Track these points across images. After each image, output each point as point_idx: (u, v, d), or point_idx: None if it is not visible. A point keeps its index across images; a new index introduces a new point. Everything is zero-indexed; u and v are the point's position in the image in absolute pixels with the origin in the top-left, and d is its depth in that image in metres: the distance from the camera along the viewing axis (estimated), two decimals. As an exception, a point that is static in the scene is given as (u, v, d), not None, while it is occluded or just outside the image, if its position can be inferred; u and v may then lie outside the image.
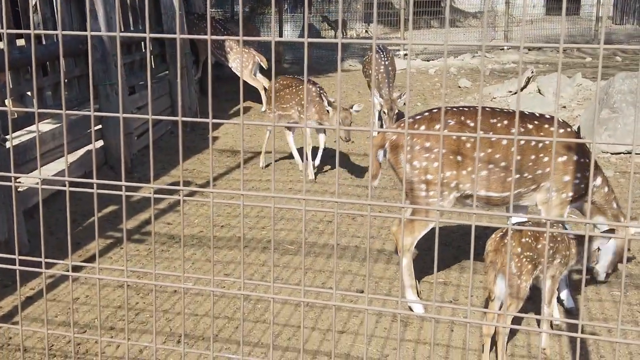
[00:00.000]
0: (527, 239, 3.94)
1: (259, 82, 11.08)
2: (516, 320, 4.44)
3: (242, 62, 10.97)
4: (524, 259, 3.91)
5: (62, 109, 2.31)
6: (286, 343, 4.38)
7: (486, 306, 4.19)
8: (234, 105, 11.65)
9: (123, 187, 2.28)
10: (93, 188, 2.32)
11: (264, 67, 11.15)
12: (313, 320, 4.66)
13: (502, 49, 17.35)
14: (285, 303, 4.88)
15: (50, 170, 6.81)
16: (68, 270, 2.41)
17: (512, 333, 4.45)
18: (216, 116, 10.71)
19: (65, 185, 2.37)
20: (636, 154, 8.49)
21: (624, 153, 8.54)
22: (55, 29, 7.77)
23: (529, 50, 17.61)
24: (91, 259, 5.54)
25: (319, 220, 6.44)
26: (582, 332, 4.38)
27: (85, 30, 7.68)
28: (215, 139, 9.37)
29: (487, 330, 3.98)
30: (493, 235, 4.07)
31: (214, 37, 2.13)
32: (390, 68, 9.36)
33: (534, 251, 3.94)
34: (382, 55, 9.59)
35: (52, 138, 6.75)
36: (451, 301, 4.92)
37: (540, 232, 3.99)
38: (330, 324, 4.59)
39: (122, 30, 9.46)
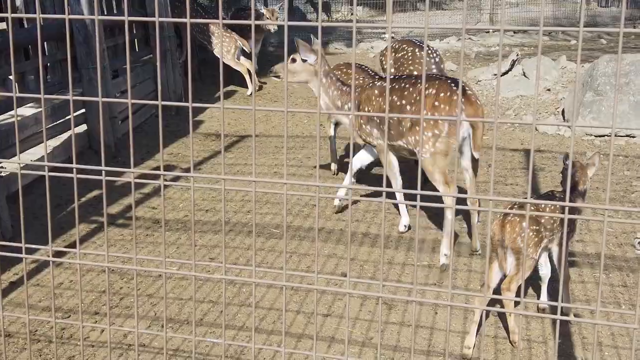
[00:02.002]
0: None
1: (243, 65, 11.03)
2: (496, 302, 4.47)
3: (222, 46, 10.92)
4: (531, 233, 4.04)
5: (44, 93, 2.29)
6: (271, 326, 4.39)
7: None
8: (219, 89, 11.60)
9: (103, 172, 2.27)
10: (73, 173, 2.30)
11: (246, 50, 11.11)
12: (298, 303, 4.67)
13: (488, 32, 17.35)
14: (270, 287, 4.89)
15: (34, 154, 6.76)
16: (49, 256, 2.40)
17: (496, 315, 4.49)
18: (201, 100, 10.65)
19: (45, 168, 2.36)
20: (616, 136, 8.54)
21: (607, 135, 8.57)
22: (48, 10, 7.69)
23: (514, 32, 17.63)
24: (75, 244, 5.51)
25: (304, 204, 6.44)
26: (564, 314, 4.42)
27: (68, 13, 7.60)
28: (200, 122, 9.33)
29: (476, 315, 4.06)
30: (498, 216, 4.24)
31: (193, 20, 2.11)
32: (442, 66, 7.09)
33: (539, 224, 4.07)
34: (432, 55, 6.79)
35: (35, 122, 6.69)
36: (435, 284, 4.94)
37: (544, 206, 4.19)
38: (316, 304, 4.60)
39: (105, 12, 9.38)
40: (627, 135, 8.52)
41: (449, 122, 5.06)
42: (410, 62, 6.60)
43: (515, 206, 4.19)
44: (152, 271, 4.98)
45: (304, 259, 5.35)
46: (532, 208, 4.11)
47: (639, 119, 8.53)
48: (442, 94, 5.10)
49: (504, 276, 4.09)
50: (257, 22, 1.98)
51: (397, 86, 5.39)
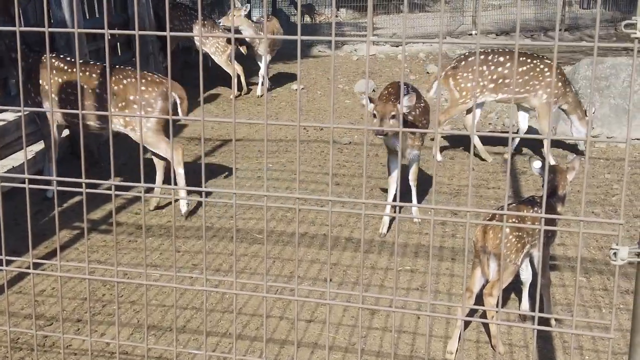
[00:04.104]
0: (514, 220, 4.08)
1: (234, 68, 10.97)
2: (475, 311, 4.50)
3: (218, 47, 10.87)
4: (513, 239, 4.09)
5: (24, 99, 2.28)
6: (254, 333, 4.40)
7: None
8: (203, 91, 11.57)
9: (83, 184, 2.27)
10: (53, 185, 2.30)
11: (243, 53, 11.09)
12: (281, 309, 4.68)
13: (470, 34, 17.43)
14: (256, 288, 4.90)
15: (17, 159, 6.76)
16: (29, 267, 2.39)
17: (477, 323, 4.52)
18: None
19: (25, 180, 2.35)
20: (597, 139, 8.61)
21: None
22: (29, 15, 7.66)
23: (496, 35, 17.73)
24: (57, 251, 5.49)
25: (287, 209, 6.45)
26: (543, 320, 4.45)
27: (49, 18, 7.58)
28: (183, 126, 9.31)
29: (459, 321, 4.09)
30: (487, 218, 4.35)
31: (173, 33, 2.12)
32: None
33: (521, 230, 4.11)
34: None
35: (16, 128, 6.68)
36: (418, 288, 4.97)
37: (528, 212, 4.23)
38: (298, 313, 4.61)
39: (87, 16, 9.35)
40: (608, 139, 8.59)
41: (161, 100, 6.15)
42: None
43: (497, 215, 4.22)
44: (134, 278, 4.97)
45: (287, 264, 5.36)
46: (515, 215, 4.14)
47: (620, 122, 8.61)
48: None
49: (487, 281, 4.13)
50: (237, 37, 1.99)
51: None
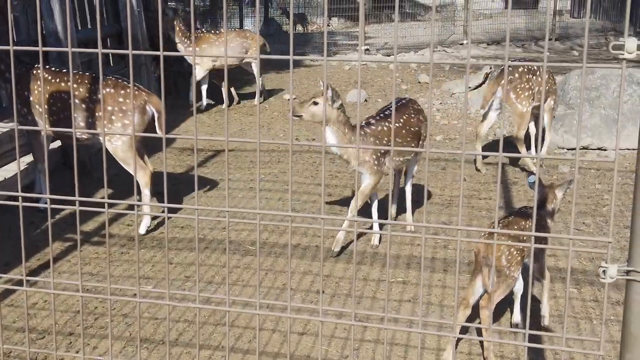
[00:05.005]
0: (515, 228, 4.23)
1: (226, 85, 11.00)
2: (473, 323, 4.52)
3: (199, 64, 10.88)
4: (514, 251, 4.15)
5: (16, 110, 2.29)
6: (247, 346, 4.40)
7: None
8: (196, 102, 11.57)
9: (77, 202, 2.28)
10: (46, 202, 2.31)
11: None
12: (273, 321, 4.69)
13: (462, 44, 17.51)
14: (247, 305, 4.91)
15: (10, 170, 6.77)
16: (21, 283, 2.40)
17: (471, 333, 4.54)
18: (178, 113, 10.61)
19: (19, 196, 2.36)
20: (588, 149, 8.67)
21: (580, 148, 8.69)
22: (22, 25, 7.66)
23: (487, 44, 17.82)
24: (50, 263, 5.48)
25: (280, 219, 6.46)
26: (533, 333, 4.47)
27: (42, 29, 7.59)
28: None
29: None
30: (482, 234, 4.42)
31: (166, 53, 2.13)
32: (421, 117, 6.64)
33: (521, 242, 4.17)
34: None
35: (9, 139, 6.68)
36: (410, 300, 4.99)
37: (525, 224, 4.31)
38: (290, 326, 4.62)
39: (80, 27, 9.36)
40: (598, 149, 8.65)
41: (138, 112, 6.16)
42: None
43: (500, 225, 4.27)
44: (126, 293, 4.96)
45: (280, 276, 5.36)
46: (515, 227, 4.29)
47: (610, 132, 8.66)
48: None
49: (485, 292, 4.15)
50: (229, 57, 2.01)
51: None
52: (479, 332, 4.42)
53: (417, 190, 7.02)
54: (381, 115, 5.86)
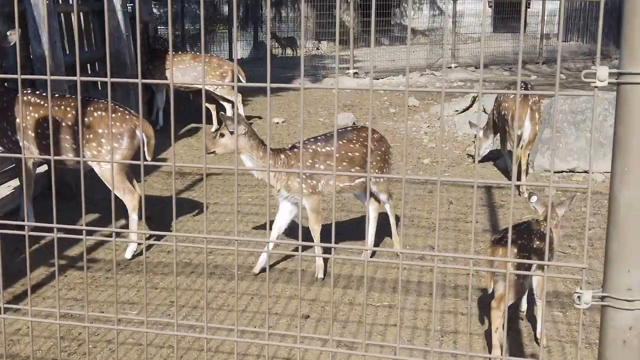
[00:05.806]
0: (523, 241, 4.36)
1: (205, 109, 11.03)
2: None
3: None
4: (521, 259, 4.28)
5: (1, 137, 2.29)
6: (231, 371, 4.38)
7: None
8: (183, 126, 11.57)
9: (55, 229, 2.28)
10: (25, 230, 2.31)
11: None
12: (258, 347, 4.67)
13: (450, 67, 17.63)
14: (230, 332, 4.88)
15: (-2, 193, 6.79)
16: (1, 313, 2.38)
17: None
18: (164, 136, 10.58)
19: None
20: (575, 172, 8.72)
21: (565, 172, 8.75)
22: (9, 50, 7.66)
23: (475, 68, 17.94)
24: (33, 288, 5.45)
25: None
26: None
27: (29, 52, 7.60)
28: (163, 160, 9.32)
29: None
30: (491, 240, 4.58)
31: (145, 81, 2.14)
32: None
33: (529, 251, 4.33)
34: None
35: (0, 161, 6.69)
36: (395, 325, 4.97)
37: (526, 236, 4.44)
38: (276, 351, 4.60)
39: (68, 51, 9.37)
40: (584, 172, 8.69)
41: (127, 136, 6.15)
42: None
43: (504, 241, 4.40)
44: (108, 320, 4.93)
45: (266, 301, 5.34)
46: (518, 241, 4.40)
47: (596, 155, 8.71)
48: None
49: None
50: (208, 84, 2.02)
51: None
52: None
53: (405, 214, 7.03)
54: (311, 139, 5.83)
